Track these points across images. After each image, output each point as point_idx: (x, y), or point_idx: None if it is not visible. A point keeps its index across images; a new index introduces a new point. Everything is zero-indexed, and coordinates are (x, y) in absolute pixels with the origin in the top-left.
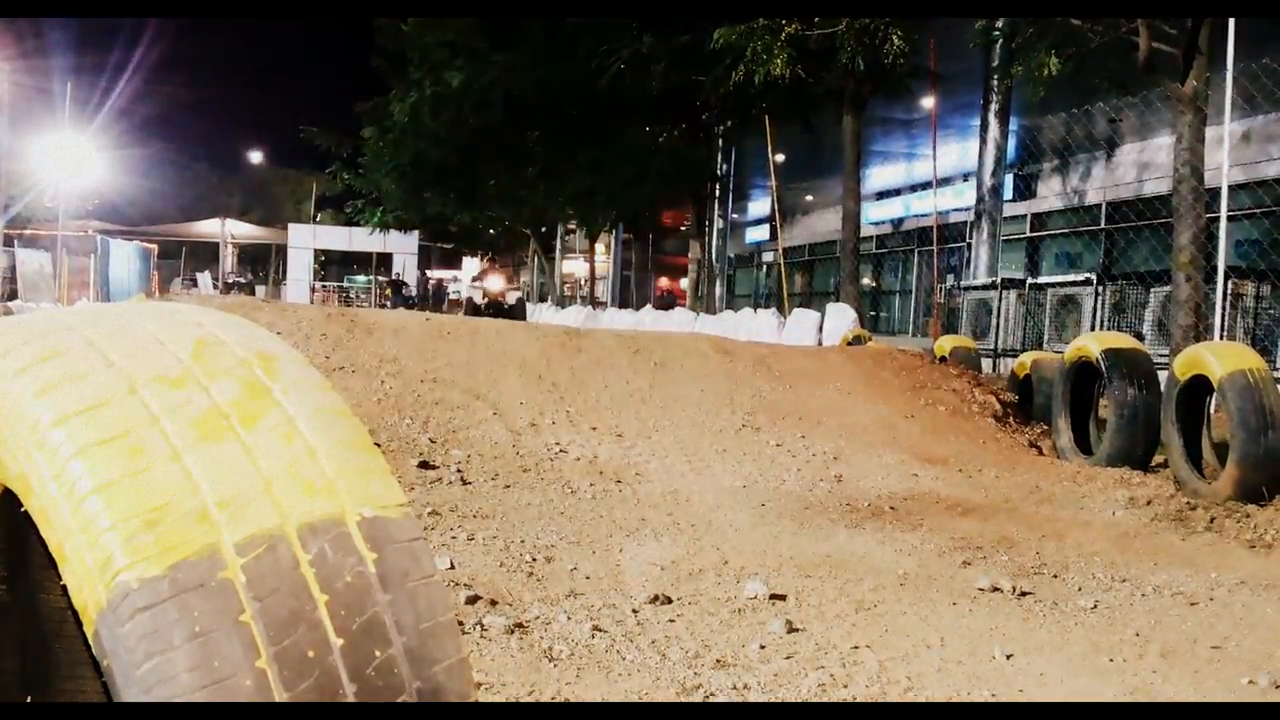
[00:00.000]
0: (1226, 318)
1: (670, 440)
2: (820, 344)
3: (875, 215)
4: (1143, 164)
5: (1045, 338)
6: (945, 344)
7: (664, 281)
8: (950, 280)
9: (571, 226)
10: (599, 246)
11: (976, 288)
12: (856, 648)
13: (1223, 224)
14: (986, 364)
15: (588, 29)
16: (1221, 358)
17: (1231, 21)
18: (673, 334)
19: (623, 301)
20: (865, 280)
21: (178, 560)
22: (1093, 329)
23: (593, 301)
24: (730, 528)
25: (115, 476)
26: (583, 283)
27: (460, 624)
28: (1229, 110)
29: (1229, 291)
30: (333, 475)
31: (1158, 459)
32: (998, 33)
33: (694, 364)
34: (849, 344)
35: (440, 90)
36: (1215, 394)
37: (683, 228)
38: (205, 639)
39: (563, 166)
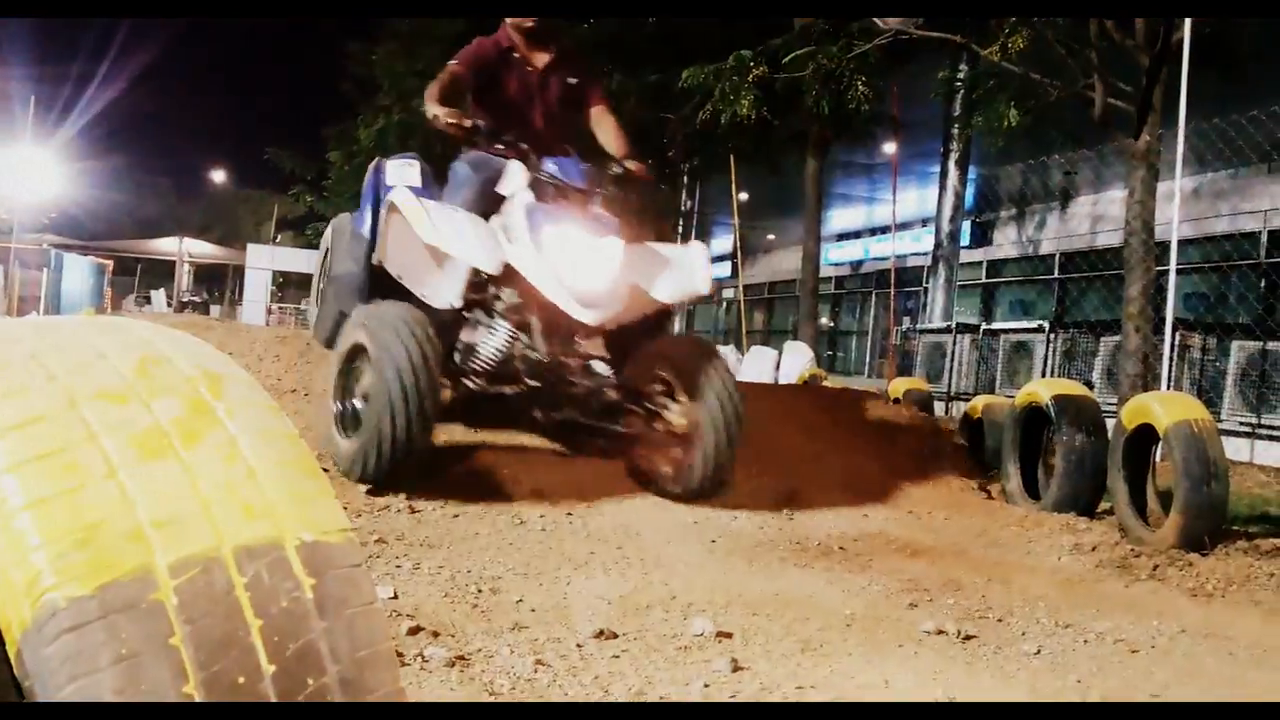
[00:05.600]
0: (1173, 368)
1: (622, 472)
2: (777, 381)
3: (835, 257)
4: (1095, 216)
5: (997, 382)
6: (899, 385)
7: None
8: (906, 323)
9: None
10: None
11: (931, 331)
12: (801, 688)
13: (1172, 277)
14: (939, 407)
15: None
16: (1167, 408)
17: (1184, 81)
18: None
19: None
20: (823, 320)
21: (108, 580)
22: (1044, 375)
23: None
24: (680, 563)
25: (48, 493)
26: None
27: (400, 655)
28: (1180, 167)
29: (1176, 343)
30: (274, 498)
31: (1104, 506)
32: (959, 83)
33: None
34: (805, 382)
35: (407, 117)
36: (1161, 443)
37: None
38: (133, 662)
39: None
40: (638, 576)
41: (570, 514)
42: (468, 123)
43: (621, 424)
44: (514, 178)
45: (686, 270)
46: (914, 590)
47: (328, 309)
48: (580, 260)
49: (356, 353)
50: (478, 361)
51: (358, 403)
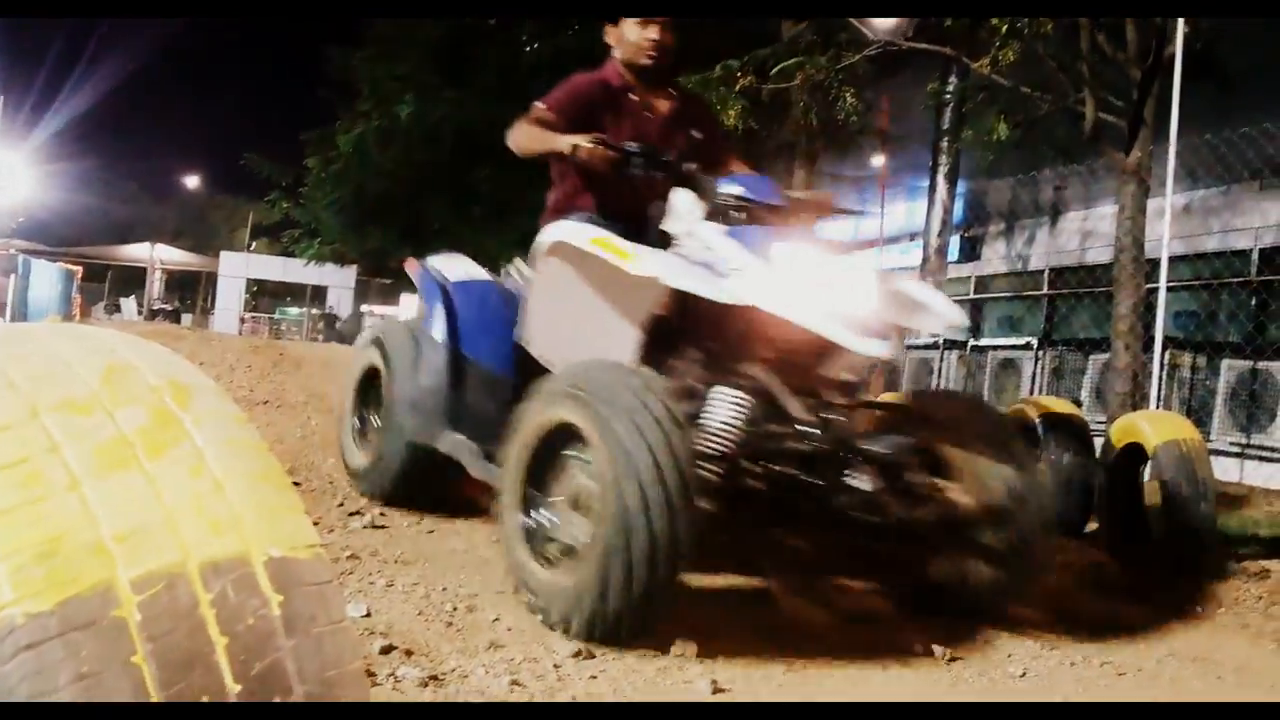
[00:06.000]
0: (1163, 387)
1: None
2: None
3: None
4: (1085, 232)
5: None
6: None
7: None
8: None
9: None
10: None
11: (918, 347)
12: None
13: (1162, 294)
14: None
15: (542, 70)
16: (1156, 427)
17: (1176, 96)
18: None
19: None
20: None
21: (68, 596)
22: (1031, 393)
23: None
24: None
25: (8, 505)
26: None
27: (372, 674)
28: (1171, 183)
29: (1166, 361)
30: (241, 512)
31: (1092, 525)
32: (949, 96)
33: None
34: None
35: (387, 123)
36: (1149, 462)
37: None
38: (92, 681)
39: (512, 205)
40: None
41: None
42: (621, 145)
43: (878, 514)
44: (687, 209)
45: (935, 300)
46: (899, 611)
47: (387, 444)
48: (841, 279)
49: (561, 437)
50: (710, 444)
51: (562, 516)
